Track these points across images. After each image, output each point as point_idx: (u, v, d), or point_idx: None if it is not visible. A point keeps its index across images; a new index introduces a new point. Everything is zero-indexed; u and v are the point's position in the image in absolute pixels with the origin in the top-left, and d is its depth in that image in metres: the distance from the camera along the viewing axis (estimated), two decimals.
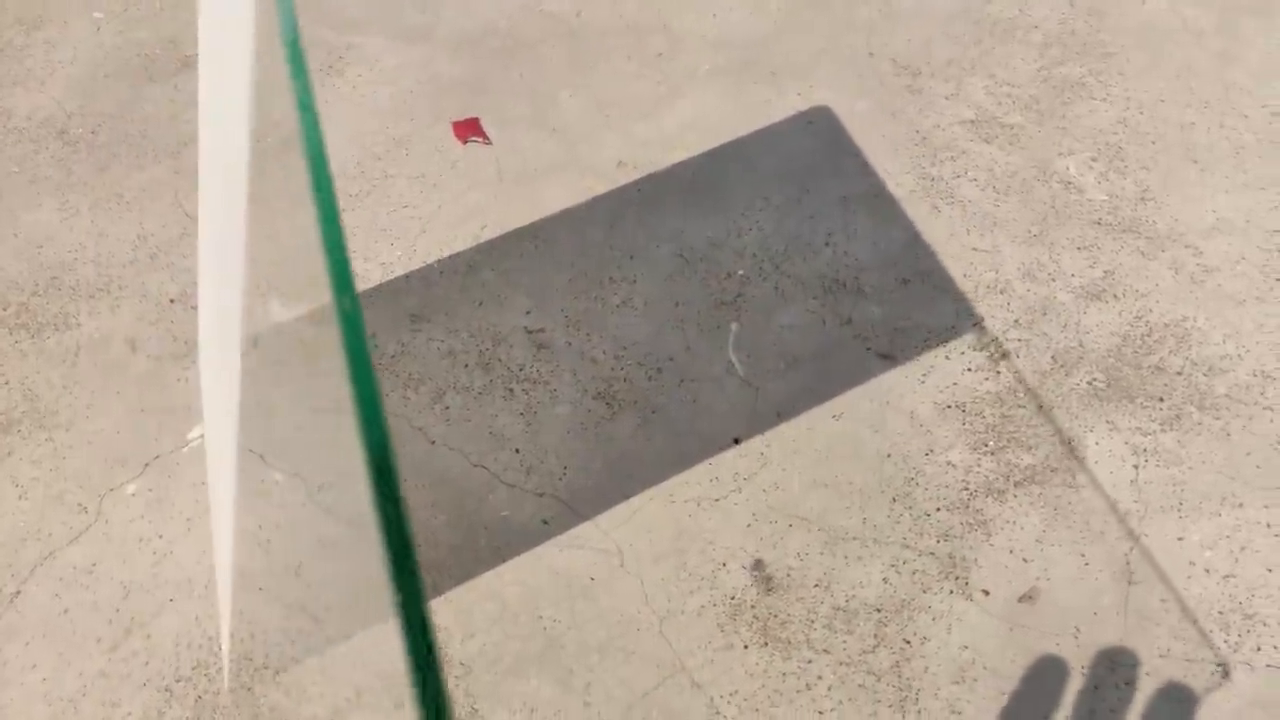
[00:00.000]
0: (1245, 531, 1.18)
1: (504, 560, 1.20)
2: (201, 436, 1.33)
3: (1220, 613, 1.12)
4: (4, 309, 1.48)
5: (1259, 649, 1.10)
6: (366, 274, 1.46)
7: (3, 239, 1.56)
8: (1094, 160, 1.56)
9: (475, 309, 1.42)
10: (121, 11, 1.85)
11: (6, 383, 1.39)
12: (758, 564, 1.18)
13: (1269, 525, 1.19)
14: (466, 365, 1.36)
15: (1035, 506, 1.22)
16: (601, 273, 1.46)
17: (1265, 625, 1.11)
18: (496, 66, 1.74)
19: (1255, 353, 1.33)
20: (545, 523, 1.23)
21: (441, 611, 1.17)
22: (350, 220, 1.53)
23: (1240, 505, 1.20)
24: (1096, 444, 1.26)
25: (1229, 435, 1.26)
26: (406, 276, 1.46)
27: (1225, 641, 1.11)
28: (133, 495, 1.28)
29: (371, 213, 1.53)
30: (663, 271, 1.46)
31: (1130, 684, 1.08)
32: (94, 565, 1.22)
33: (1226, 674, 1.09)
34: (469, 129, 1.65)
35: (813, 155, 1.59)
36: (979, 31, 1.76)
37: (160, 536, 1.24)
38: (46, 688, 1.13)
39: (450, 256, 1.48)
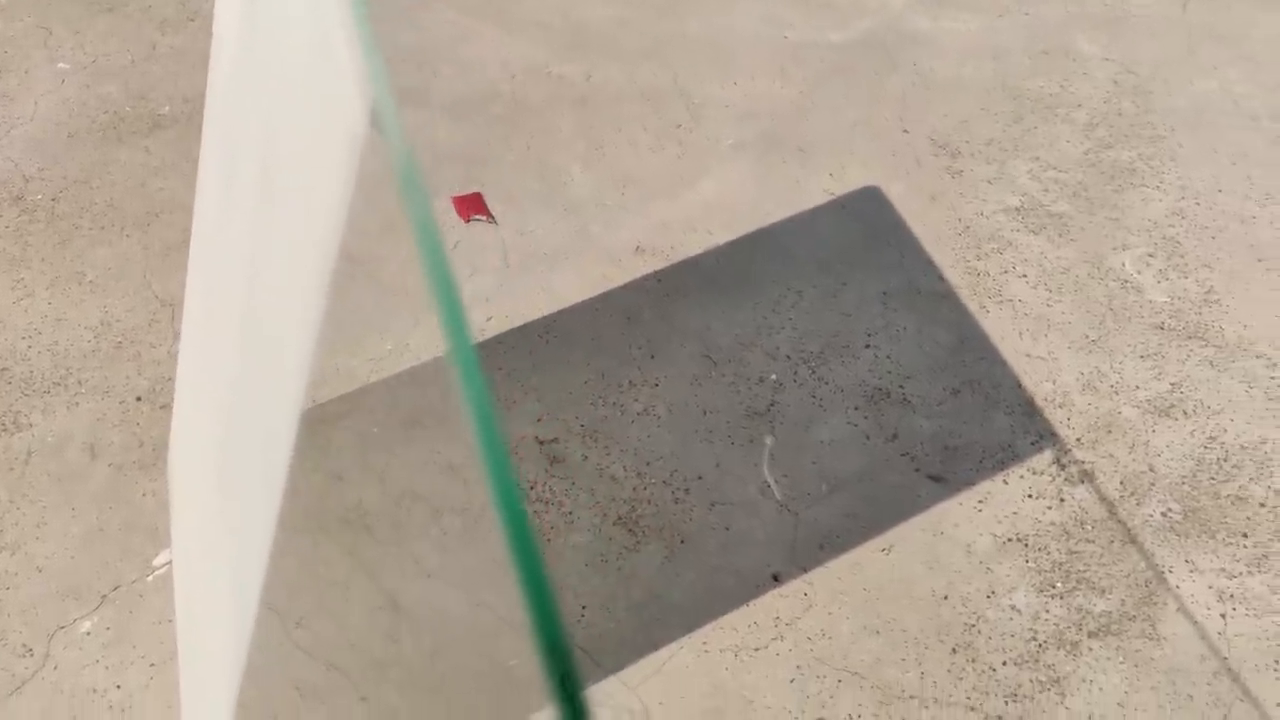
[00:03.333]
0: None
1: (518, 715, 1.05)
2: (168, 564, 1.17)
3: None
4: None
5: None
6: (352, 371, 1.31)
7: None
8: (1151, 256, 1.45)
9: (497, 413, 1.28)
10: (89, 63, 1.70)
11: None
12: None
13: None
14: (467, 481, 1.22)
15: (1114, 662, 1.09)
16: (620, 375, 1.32)
17: None
18: (500, 135, 1.61)
19: None
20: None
21: None
22: (335, 306, 1.38)
23: None
24: (1177, 587, 1.14)
25: None
26: (398, 375, 1.32)
27: None
28: (87, 634, 1.12)
29: (359, 300, 1.39)
30: (687, 374, 1.32)
31: None
32: None
33: None
34: (471, 205, 1.51)
35: (847, 243, 1.46)
36: (1019, 108, 1.64)
37: (118, 686, 1.08)
38: None
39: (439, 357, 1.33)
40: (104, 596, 1.15)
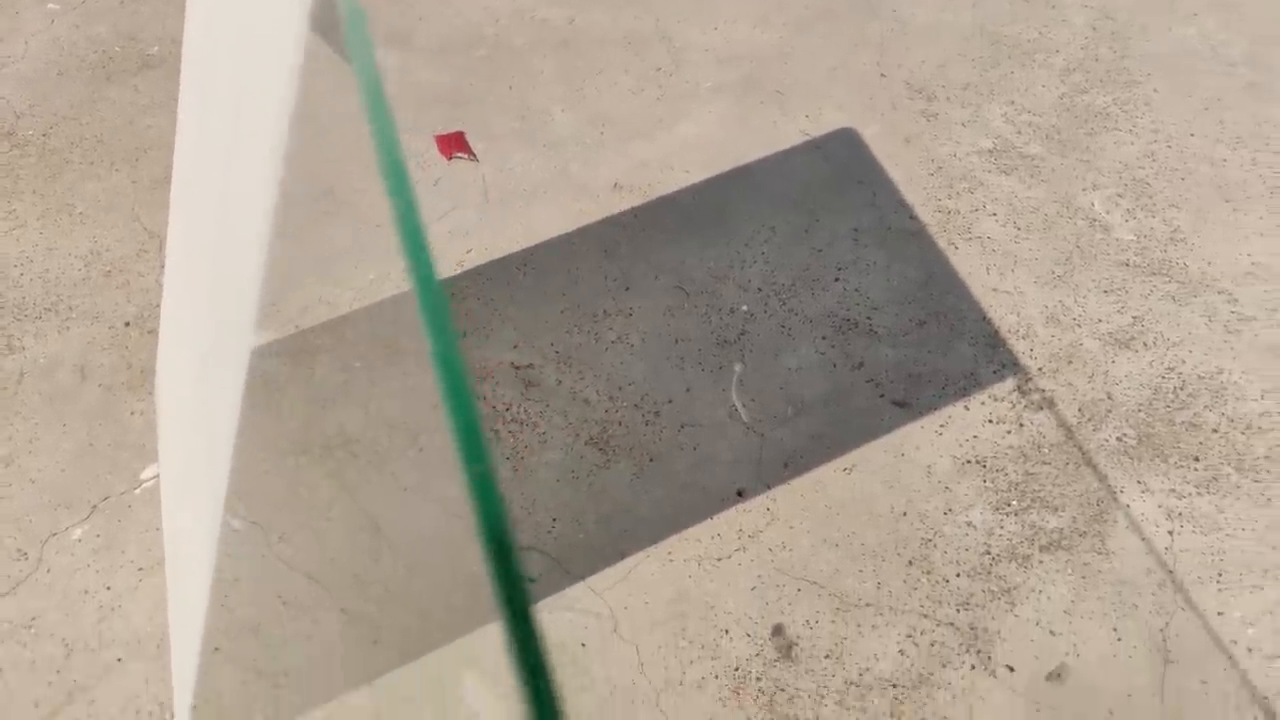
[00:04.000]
0: None
1: (484, 623, 1.10)
2: (155, 477, 1.22)
3: (1265, 698, 1.04)
4: None
5: None
6: (336, 300, 1.35)
7: None
8: (1120, 196, 1.48)
9: (458, 341, 1.32)
10: (79, 3, 1.73)
11: None
12: (777, 629, 1.09)
13: None
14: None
15: (1063, 574, 1.13)
16: (595, 305, 1.36)
17: None
18: (483, 77, 1.63)
19: None
20: (532, 581, 1.12)
21: (411, 681, 1.06)
22: (319, 240, 1.42)
23: None
24: (1128, 507, 1.18)
25: (1270, 501, 1.18)
26: (380, 304, 1.35)
27: None
28: (78, 541, 1.17)
29: (343, 232, 1.42)
30: (661, 305, 1.36)
31: None
32: (33, 620, 1.11)
33: None
34: (454, 144, 1.54)
35: (821, 182, 1.49)
36: (996, 54, 1.67)
37: (108, 588, 1.13)
38: None
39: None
40: (94, 506, 1.19)
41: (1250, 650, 1.07)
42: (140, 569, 1.14)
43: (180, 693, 1.06)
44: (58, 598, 1.12)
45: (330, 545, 1.16)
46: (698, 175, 1.50)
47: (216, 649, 1.11)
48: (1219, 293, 1.36)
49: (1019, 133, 1.56)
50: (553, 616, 1.10)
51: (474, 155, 1.53)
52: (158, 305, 1.38)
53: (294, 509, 1.18)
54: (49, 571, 1.14)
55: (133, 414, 1.27)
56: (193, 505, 1.15)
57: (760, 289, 1.37)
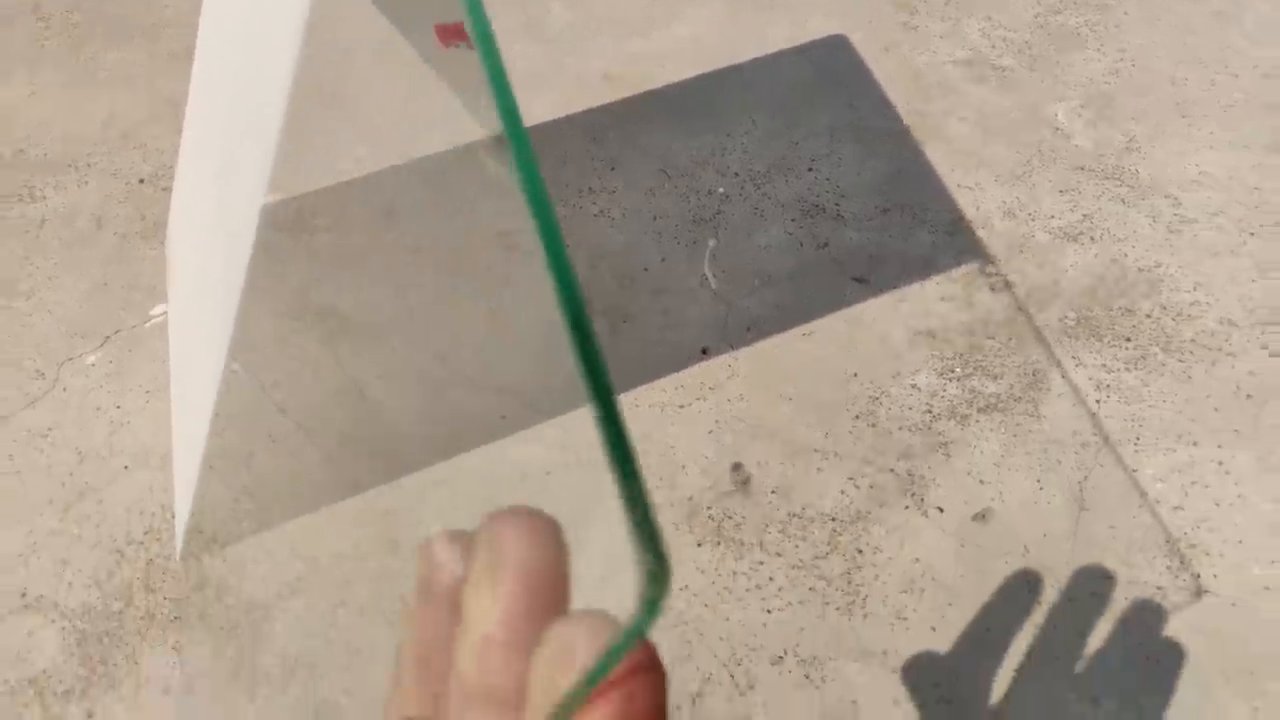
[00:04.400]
0: (1198, 468, 1.20)
1: (462, 450, 1.20)
2: (164, 314, 1.31)
3: (1166, 542, 1.14)
4: None
5: (1198, 576, 1.12)
6: (339, 169, 1.44)
7: None
8: (1083, 108, 1.56)
9: (448, 211, 1.41)
10: None
11: None
12: (736, 466, 1.19)
13: (1220, 464, 1.20)
14: (435, 265, 1.35)
15: (996, 432, 1.23)
16: (582, 182, 1.45)
17: (1207, 555, 1.13)
18: None
19: (1224, 302, 1.34)
20: (504, 418, 1.22)
21: (391, 495, 1.16)
22: (320, 115, 1.51)
23: (1195, 444, 1.22)
24: (1062, 378, 1.27)
25: (1190, 378, 1.27)
26: (380, 174, 1.44)
27: (1168, 569, 1.12)
28: (92, 365, 1.26)
29: (342, 110, 1.51)
30: (643, 185, 1.45)
31: (1074, 602, 1.10)
32: (49, 430, 1.21)
33: (1166, 599, 1.10)
34: (453, 33, 1.62)
35: (804, 84, 1.58)
36: None
37: (118, 407, 1.23)
38: None
39: (424, 158, 1.46)
40: (107, 337, 1.29)
41: (1158, 502, 1.17)
42: (148, 392, 1.24)
43: (180, 500, 1.17)
44: (73, 413, 1.22)
45: (318, 401, 1.25)
46: (688, 71, 1.59)
47: (212, 468, 1.21)
48: (1165, 197, 1.45)
49: (993, 47, 1.64)
50: (522, 449, 1.20)
51: (471, 45, 1.61)
52: (171, 166, 1.47)
53: (287, 365, 1.28)
54: (65, 390, 1.24)
55: (144, 260, 1.36)
56: (197, 344, 1.25)
57: (738, 174, 1.46)
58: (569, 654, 0.25)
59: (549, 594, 0.27)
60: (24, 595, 1.09)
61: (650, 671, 0.25)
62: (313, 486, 1.18)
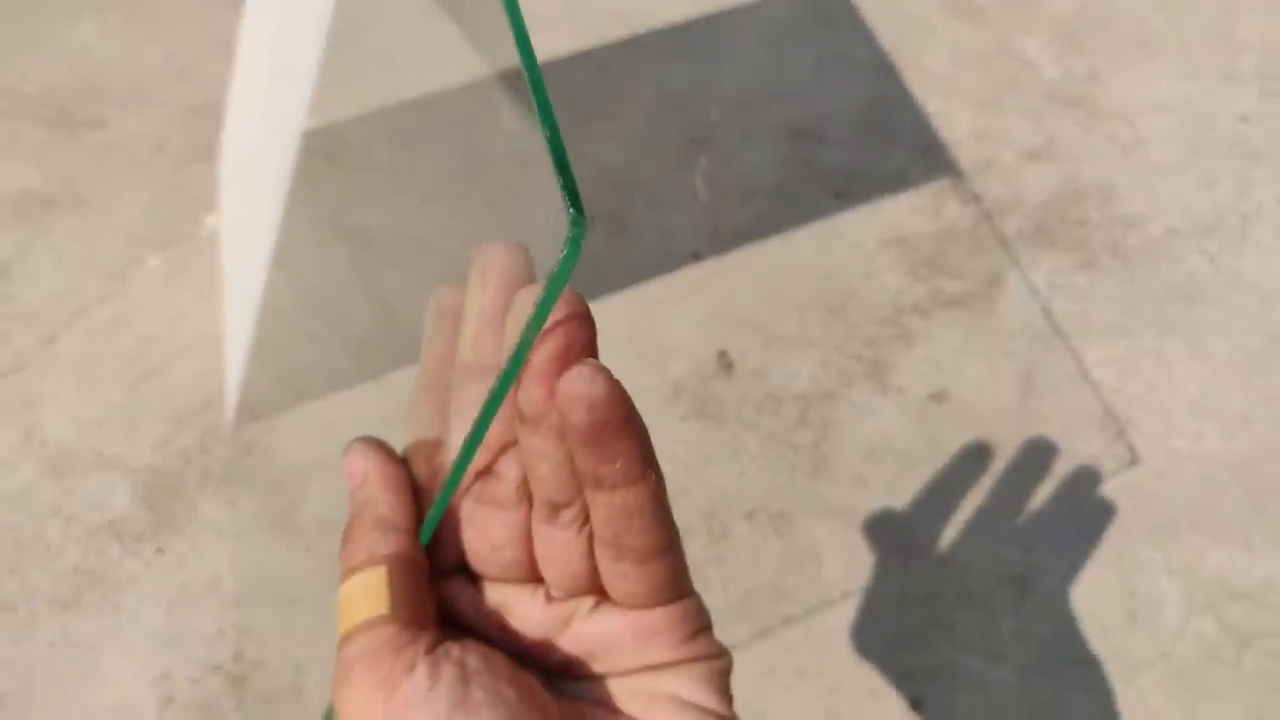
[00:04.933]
0: (1135, 357, 1.33)
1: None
2: (216, 225, 1.48)
3: (1101, 419, 1.28)
4: (45, 108, 1.62)
5: (1132, 448, 1.25)
6: (358, 96, 1.60)
7: (46, 49, 1.70)
8: (1051, 43, 1.68)
9: (464, 132, 1.56)
10: None
11: (48, 170, 1.54)
12: (722, 354, 1.34)
13: (1157, 353, 1.33)
14: (452, 188, 1.51)
15: (955, 326, 1.37)
16: (586, 110, 1.60)
17: (1139, 431, 1.27)
18: None
19: (1169, 214, 1.47)
20: None
21: (412, 374, 1.32)
22: (336, 53, 1.67)
23: (1134, 336, 1.35)
24: (1018, 279, 1.41)
25: (1134, 280, 1.40)
26: (401, 105, 1.60)
27: (1103, 442, 1.26)
28: (154, 268, 1.44)
29: (360, 47, 1.67)
30: (642, 110, 1.59)
31: (1018, 470, 1.24)
32: (120, 322, 1.38)
33: (1100, 467, 1.24)
34: None
35: (793, 21, 1.71)
36: None
37: (177, 303, 1.40)
38: (74, 412, 1.30)
39: (439, 91, 1.61)
40: (167, 244, 1.46)
41: (1098, 383, 1.31)
42: (202, 290, 1.41)
43: (231, 380, 1.34)
44: (138, 307, 1.40)
45: (347, 309, 1.41)
46: (686, 12, 1.73)
47: (257, 355, 1.38)
48: (1123, 121, 1.57)
49: None
50: None
51: None
52: (221, 98, 1.64)
53: (322, 279, 1.44)
54: (131, 288, 1.42)
55: (198, 179, 1.53)
56: (245, 251, 1.42)
57: (729, 101, 1.60)
58: (527, 306, 0.31)
59: (522, 286, 0.34)
60: (100, 454, 1.27)
61: (583, 317, 0.32)
62: (343, 372, 1.35)
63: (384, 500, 0.36)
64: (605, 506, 0.32)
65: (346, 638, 0.31)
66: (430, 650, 0.31)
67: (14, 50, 1.71)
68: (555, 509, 0.33)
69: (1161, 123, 1.57)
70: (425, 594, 0.34)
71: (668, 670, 0.34)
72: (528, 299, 0.32)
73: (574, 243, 0.30)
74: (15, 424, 1.29)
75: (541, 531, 0.34)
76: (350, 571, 0.33)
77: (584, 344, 0.32)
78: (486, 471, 0.36)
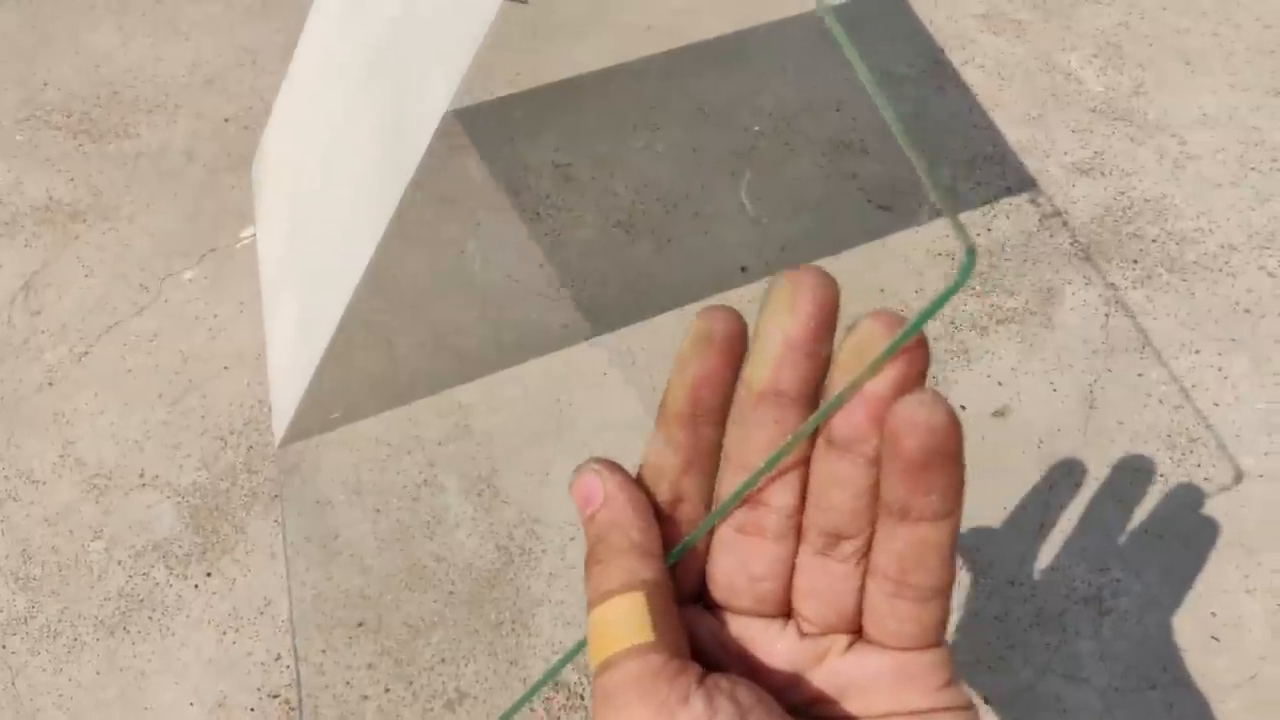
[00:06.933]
0: (1198, 373, 1.31)
1: (530, 357, 1.32)
2: (253, 236, 1.44)
3: (1168, 435, 1.26)
4: (68, 116, 1.58)
5: (1199, 466, 1.23)
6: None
7: (65, 55, 1.66)
8: (1094, 56, 1.67)
9: (507, 141, 1.53)
10: None
11: (73, 179, 1.50)
12: None
13: (1219, 369, 1.31)
14: (499, 199, 1.48)
15: (1013, 341, 1.34)
16: (626, 120, 1.57)
17: (1205, 448, 1.25)
18: None
19: (1224, 229, 1.46)
20: (565, 326, 1.35)
21: (465, 391, 1.29)
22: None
23: (1196, 352, 1.33)
24: (1073, 294, 1.39)
25: (1193, 295, 1.39)
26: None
27: (1170, 459, 1.24)
28: (190, 280, 1.40)
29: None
30: (683, 121, 1.57)
31: (1081, 485, 1.22)
32: (155, 335, 1.34)
33: (1168, 485, 1.22)
34: None
35: (829, 34, 1.69)
36: None
37: (215, 315, 1.36)
38: (114, 430, 1.25)
39: (485, 101, 1.58)
40: (202, 256, 1.42)
41: (1161, 401, 1.29)
42: (240, 303, 1.37)
43: (276, 395, 1.30)
44: (174, 320, 1.35)
45: (408, 319, 1.37)
46: (726, 25, 1.71)
47: (294, 371, 1.33)
48: (1171, 135, 1.56)
49: (1010, 1, 1.75)
50: (582, 351, 1.32)
51: (524, 0, 1.73)
52: (251, 107, 1.60)
53: (431, 284, 1.40)
54: (166, 301, 1.37)
55: (232, 189, 1.49)
56: (308, 263, 1.37)
57: (771, 113, 1.58)
58: (872, 334, 0.31)
59: (833, 315, 0.34)
60: (142, 475, 1.22)
61: (924, 345, 0.31)
62: (397, 387, 1.31)
63: (635, 524, 0.33)
64: (903, 540, 0.31)
65: (607, 664, 0.29)
66: (701, 682, 0.29)
67: (32, 55, 1.67)
68: (835, 540, 0.32)
69: (1210, 136, 1.56)
70: (681, 623, 0.32)
71: (921, 716, 0.31)
72: (871, 328, 0.33)
73: (965, 270, 0.29)
74: (50, 442, 1.25)
75: (812, 563, 0.33)
76: (604, 596, 0.31)
77: (921, 373, 0.32)
78: (753, 500, 0.32)
